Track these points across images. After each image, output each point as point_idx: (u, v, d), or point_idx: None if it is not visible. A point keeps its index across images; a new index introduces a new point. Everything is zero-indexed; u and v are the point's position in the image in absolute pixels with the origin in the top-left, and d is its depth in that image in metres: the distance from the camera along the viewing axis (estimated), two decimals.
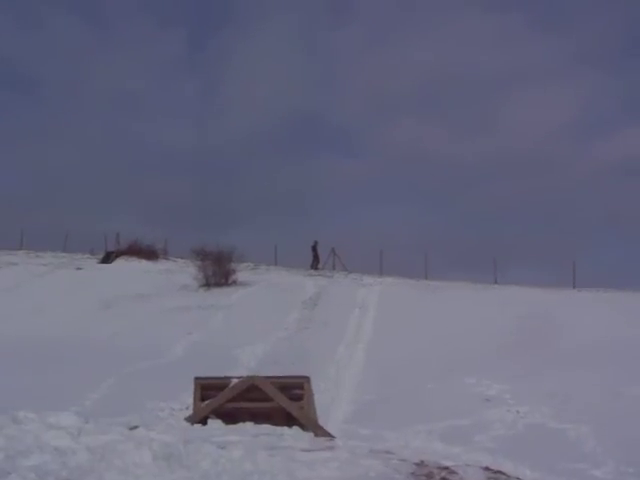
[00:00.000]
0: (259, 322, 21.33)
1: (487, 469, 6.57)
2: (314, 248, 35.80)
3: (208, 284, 28.73)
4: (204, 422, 8.60)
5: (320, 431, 8.59)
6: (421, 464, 6.48)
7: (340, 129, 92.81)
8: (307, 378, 9.37)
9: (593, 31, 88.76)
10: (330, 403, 13.17)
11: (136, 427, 7.40)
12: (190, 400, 9.84)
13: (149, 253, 36.25)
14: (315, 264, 35.57)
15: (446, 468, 6.31)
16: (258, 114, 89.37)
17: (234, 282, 29.32)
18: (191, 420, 8.79)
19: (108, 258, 36.04)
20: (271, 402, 8.93)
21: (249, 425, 8.15)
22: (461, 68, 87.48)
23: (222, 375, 9.92)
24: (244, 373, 12.23)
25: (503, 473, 6.51)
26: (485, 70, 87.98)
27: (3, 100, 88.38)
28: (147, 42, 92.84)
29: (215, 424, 8.37)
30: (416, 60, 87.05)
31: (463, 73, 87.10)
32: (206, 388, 9.30)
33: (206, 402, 9.14)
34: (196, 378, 9.38)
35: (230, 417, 8.55)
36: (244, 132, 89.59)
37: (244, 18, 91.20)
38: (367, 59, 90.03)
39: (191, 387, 9.42)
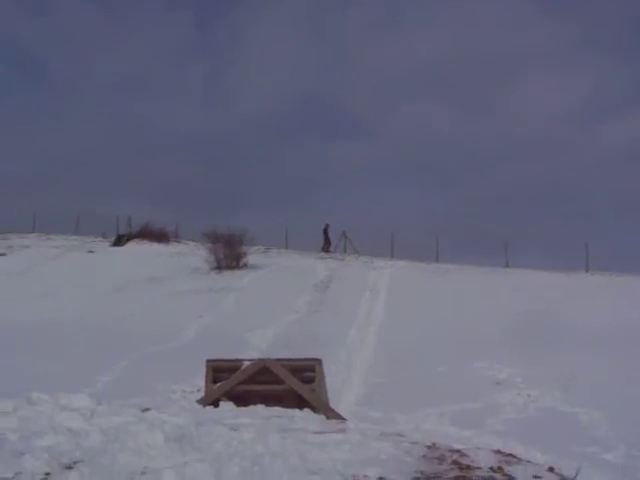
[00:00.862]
0: (270, 305, 21.36)
1: (498, 452, 6.57)
2: (325, 231, 35.79)
3: (219, 267, 28.78)
4: (216, 404, 8.62)
5: (331, 413, 8.61)
6: (432, 447, 6.48)
7: (349, 112, 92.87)
8: (318, 360, 9.38)
9: (601, 14, 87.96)
10: (341, 386, 13.19)
11: (148, 409, 7.43)
12: (202, 383, 9.87)
13: (160, 236, 36.38)
14: (326, 247, 35.56)
15: (457, 451, 6.32)
16: (267, 97, 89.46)
17: (245, 265, 29.36)
18: (203, 402, 8.82)
19: (120, 241, 36.20)
20: (282, 385, 8.94)
21: (260, 407, 8.17)
22: (469, 51, 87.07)
23: (234, 358, 9.95)
24: (255, 356, 12.26)
25: (514, 456, 6.50)
26: (493, 53, 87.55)
27: (13, 84, 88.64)
28: (154, 25, 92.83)
29: (227, 406, 8.39)
30: (424, 43, 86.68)
31: (471, 56, 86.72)
32: (218, 370, 9.32)
33: (218, 384, 9.17)
34: (208, 360, 9.40)
35: (241, 399, 8.58)
36: (253, 115, 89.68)
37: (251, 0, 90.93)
38: (375, 42, 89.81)
39: (203, 370, 9.45)
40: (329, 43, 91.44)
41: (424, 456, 6.03)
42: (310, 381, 9.13)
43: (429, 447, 6.44)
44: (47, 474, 5.04)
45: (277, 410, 8.03)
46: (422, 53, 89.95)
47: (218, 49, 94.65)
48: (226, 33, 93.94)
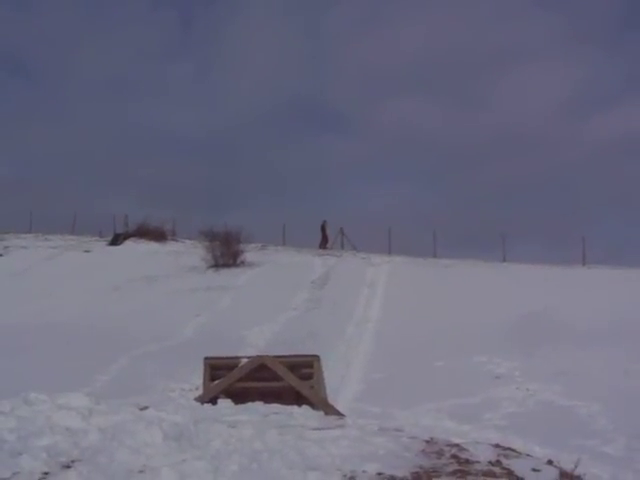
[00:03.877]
0: (268, 302, 21.35)
1: (497, 446, 6.56)
2: (323, 228, 35.73)
3: (216, 265, 28.76)
4: (214, 402, 8.60)
5: (330, 410, 8.60)
6: (431, 441, 6.48)
7: (341, 109, 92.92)
8: (316, 357, 9.37)
9: (592, 7, 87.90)
10: (340, 382, 13.19)
11: (146, 407, 7.42)
12: (200, 381, 9.86)
13: (157, 235, 36.28)
14: (324, 244, 35.52)
15: (456, 445, 6.31)
16: (257, 95, 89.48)
17: (242, 263, 29.34)
18: (201, 400, 8.80)
19: (116, 240, 36.11)
20: (281, 381, 8.94)
21: (259, 404, 8.15)
22: (459, 45, 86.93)
23: (231, 355, 9.94)
24: (253, 353, 12.25)
25: (513, 450, 6.50)
26: (483, 46, 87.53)
27: (7, 84, 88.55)
28: (138, 24, 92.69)
29: (225, 404, 8.37)
30: (413, 37, 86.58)
31: (461, 50, 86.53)
32: (215, 368, 9.31)
33: (216, 382, 9.16)
34: (205, 358, 9.40)
35: (240, 397, 8.55)
36: (245, 113, 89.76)
37: None
38: (362, 38, 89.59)
39: (201, 368, 9.44)
40: (316, 40, 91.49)
41: (423, 451, 6.02)
42: (308, 377, 9.12)
43: (428, 442, 6.43)
44: (45, 473, 5.03)
45: (275, 407, 8.01)
46: (411, 48, 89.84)
47: (203, 48, 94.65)
48: (210, 32, 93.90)
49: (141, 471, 5.12)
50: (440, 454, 5.95)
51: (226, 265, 28.80)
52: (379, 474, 5.19)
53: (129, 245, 35.22)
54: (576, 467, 6.15)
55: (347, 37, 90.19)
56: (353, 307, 21.16)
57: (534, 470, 5.55)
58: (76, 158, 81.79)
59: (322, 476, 5.07)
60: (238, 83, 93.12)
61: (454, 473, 5.30)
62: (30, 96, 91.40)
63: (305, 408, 8.25)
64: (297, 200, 74.08)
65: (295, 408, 8.08)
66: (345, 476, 5.12)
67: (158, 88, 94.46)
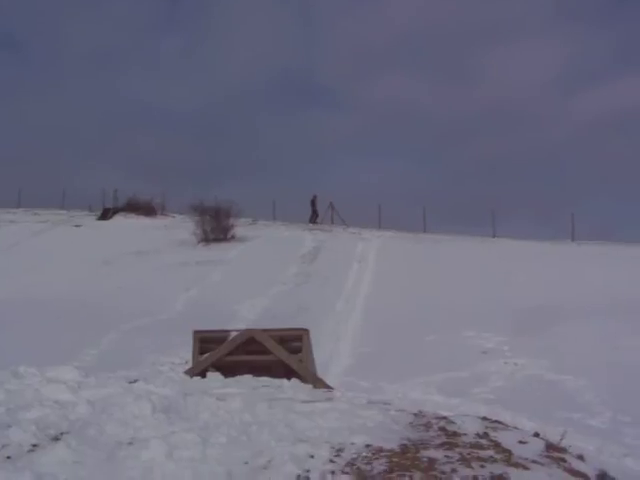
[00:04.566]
0: (258, 277, 21.36)
1: (485, 419, 6.61)
2: (313, 202, 35.68)
3: (207, 240, 28.73)
4: (203, 375, 8.63)
5: (319, 383, 8.63)
6: (419, 414, 6.53)
7: (331, 85, 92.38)
8: (306, 330, 9.39)
9: None
10: (329, 356, 13.24)
11: (136, 381, 7.43)
12: (190, 355, 9.87)
13: (147, 209, 36.20)
14: (314, 218, 35.50)
15: (444, 418, 6.36)
16: (247, 70, 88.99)
17: (233, 237, 29.34)
18: (190, 373, 8.82)
19: (106, 215, 35.97)
20: (270, 355, 8.96)
21: (248, 377, 8.18)
22: (450, 21, 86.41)
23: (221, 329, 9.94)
24: (243, 327, 12.25)
25: (500, 423, 6.56)
26: (474, 23, 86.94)
27: None
28: None
29: (214, 377, 8.40)
30: (403, 13, 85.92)
31: (453, 26, 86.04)
32: (205, 341, 9.32)
33: (205, 355, 9.17)
34: (195, 331, 9.40)
35: (229, 370, 8.58)
36: (235, 88, 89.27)
37: None
38: (352, 12, 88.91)
39: (191, 342, 9.44)
40: (306, 15, 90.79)
41: (411, 423, 6.06)
42: (297, 351, 9.15)
43: (416, 415, 6.48)
44: (34, 445, 5.05)
45: (265, 380, 8.05)
46: (401, 23, 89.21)
47: (193, 23, 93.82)
48: (201, 6, 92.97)
49: (130, 443, 5.14)
50: (428, 427, 5.99)
51: (216, 240, 28.77)
52: (367, 446, 5.22)
53: (119, 220, 35.12)
54: (562, 439, 6.22)
55: (337, 12, 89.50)
56: (343, 282, 21.19)
57: (521, 442, 5.60)
58: (65, 132, 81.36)
59: (311, 448, 5.10)
60: (228, 58, 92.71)
61: (442, 445, 5.34)
62: (18, 70, 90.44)
63: (294, 381, 8.30)
64: (287, 175, 74.09)
65: (284, 381, 8.13)
66: (333, 448, 5.15)
67: (148, 62, 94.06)
